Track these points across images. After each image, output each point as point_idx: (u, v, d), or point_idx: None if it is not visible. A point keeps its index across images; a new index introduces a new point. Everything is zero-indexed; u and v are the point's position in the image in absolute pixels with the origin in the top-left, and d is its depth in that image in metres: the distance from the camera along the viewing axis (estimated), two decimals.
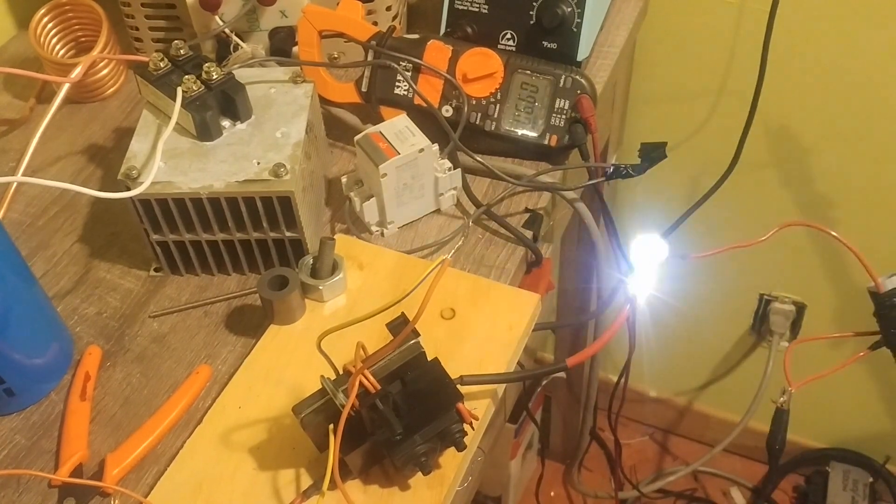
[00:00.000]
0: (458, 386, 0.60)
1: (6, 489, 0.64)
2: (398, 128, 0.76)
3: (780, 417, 0.93)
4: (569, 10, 0.83)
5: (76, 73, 0.84)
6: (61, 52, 0.94)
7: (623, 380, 1.11)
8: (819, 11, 1.03)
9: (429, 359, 0.60)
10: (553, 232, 0.90)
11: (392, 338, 0.57)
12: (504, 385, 0.68)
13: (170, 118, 0.72)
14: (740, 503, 1.61)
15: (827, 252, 1.28)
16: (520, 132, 0.82)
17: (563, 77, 0.81)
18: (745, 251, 1.31)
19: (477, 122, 0.82)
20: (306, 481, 0.61)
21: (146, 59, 0.76)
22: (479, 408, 0.63)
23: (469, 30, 0.86)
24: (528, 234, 0.78)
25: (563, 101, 0.81)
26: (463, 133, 0.80)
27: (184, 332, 0.73)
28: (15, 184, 0.80)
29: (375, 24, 0.90)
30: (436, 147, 0.76)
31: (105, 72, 0.94)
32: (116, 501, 0.63)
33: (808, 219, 1.24)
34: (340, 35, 0.84)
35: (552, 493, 1.66)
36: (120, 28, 0.94)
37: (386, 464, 0.61)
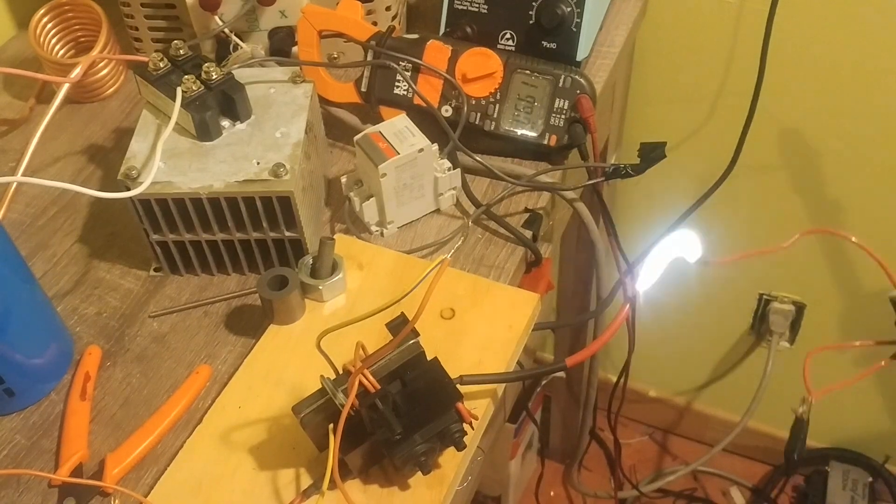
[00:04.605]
0: (458, 385, 0.60)
1: (6, 489, 0.64)
2: (398, 128, 0.76)
3: (800, 427, 0.90)
4: (568, 9, 0.83)
5: (76, 73, 0.84)
6: (61, 52, 0.94)
7: (623, 380, 1.11)
8: (819, 11, 1.03)
9: (428, 358, 0.60)
10: (553, 232, 0.90)
11: (392, 337, 0.57)
12: (504, 385, 0.68)
13: (169, 118, 0.72)
14: (740, 503, 1.61)
15: (827, 252, 1.28)
16: (519, 132, 0.82)
17: (563, 77, 0.81)
18: (746, 250, 1.31)
19: (476, 122, 0.82)
20: (306, 481, 0.61)
21: (146, 59, 0.76)
22: (479, 407, 0.64)
23: (469, 30, 0.86)
24: (528, 234, 0.78)
25: (562, 100, 0.81)
26: (462, 133, 0.80)
27: (184, 331, 0.73)
28: (15, 184, 0.80)
29: (375, 24, 0.90)
30: (435, 147, 0.76)
31: (105, 72, 0.94)
32: (116, 501, 0.63)
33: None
34: (340, 35, 0.84)
35: (552, 493, 1.66)
36: (120, 28, 0.94)
37: (386, 463, 0.61)
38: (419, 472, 0.59)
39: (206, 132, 0.73)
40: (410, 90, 0.82)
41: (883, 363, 0.78)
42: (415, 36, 0.84)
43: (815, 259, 1.30)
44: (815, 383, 1.47)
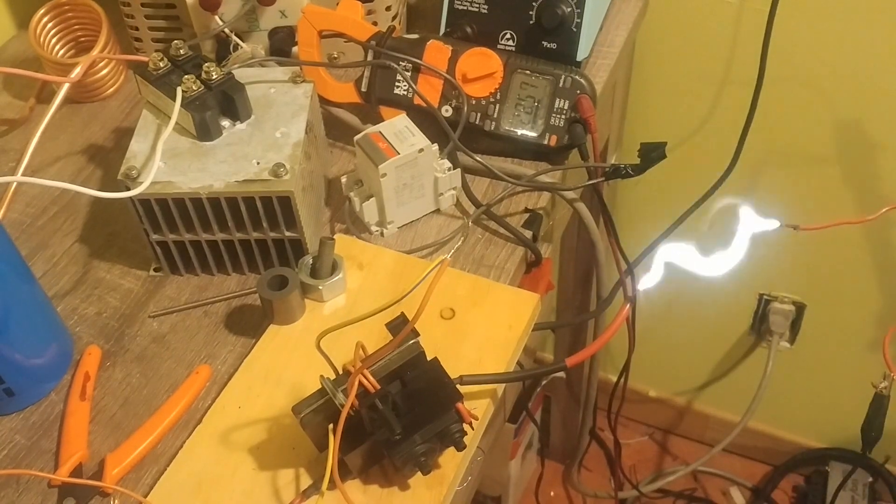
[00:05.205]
0: (458, 386, 0.60)
1: (6, 489, 0.64)
2: (398, 128, 0.76)
3: (880, 403, 0.90)
4: (568, 10, 0.83)
5: (76, 73, 0.84)
6: (61, 52, 0.94)
7: (623, 380, 1.11)
8: (819, 12, 1.03)
9: (428, 358, 0.60)
10: (553, 232, 0.90)
11: (392, 337, 0.57)
12: (504, 385, 0.68)
13: (170, 118, 0.72)
14: (740, 503, 1.61)
15: (827, 252, 1.28)
16: (519, 132, 0.82)
17: (563, 77, 0.81)
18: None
19: (476, 122, 0.82)
20: (306, 481, 0.61)
21: (146, 59, 0.76)
22: (479, 407, 0.64)
23: (469, 30, 0.86)
24: (528, 234, 0.78)
25: (562, 100, 0.81)
26: (463, 133, 0.80)
27: (183, 332, 0.73)
28: (15, 184, 0.80)
29: (375, 24, 0.90)
30: (435, 147, 0.76)
31: (105, 72, 0.94)
32: (116, 501, 0.63)
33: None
34: (340, 35, 0.84)
35: (552, 493, 1.66)
36: (120, 28, 0.94)
37: (385, 464, 0.61)
38: (419, 473, 0.59)
39: (206, 132, 0.73)
40: (410, 90, 0.82)
41: None
42: (415, 36, 0.84)
43: (815, 259, 1.30)
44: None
